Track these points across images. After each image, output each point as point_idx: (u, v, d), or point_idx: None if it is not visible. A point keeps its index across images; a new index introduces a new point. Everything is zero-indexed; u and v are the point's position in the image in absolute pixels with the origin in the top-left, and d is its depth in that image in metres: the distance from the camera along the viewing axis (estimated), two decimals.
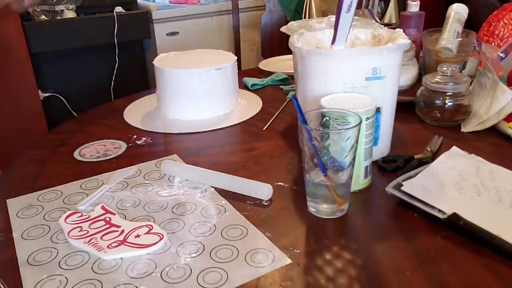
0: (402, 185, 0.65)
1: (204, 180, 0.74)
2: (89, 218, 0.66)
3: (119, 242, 0.60)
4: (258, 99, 1.12)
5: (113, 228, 0.63)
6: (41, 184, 0.76)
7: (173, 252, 0.58)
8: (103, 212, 0.67)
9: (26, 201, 0.71)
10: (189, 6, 2.54)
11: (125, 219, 0.66)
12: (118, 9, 2.25)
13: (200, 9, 2.53)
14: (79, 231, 0.63)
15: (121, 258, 0.57)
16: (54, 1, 2.08)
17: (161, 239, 0.60)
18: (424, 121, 0.94)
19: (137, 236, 0.61)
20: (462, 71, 1.05)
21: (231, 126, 0.98)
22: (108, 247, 0.59)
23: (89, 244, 0.60)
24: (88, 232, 0.63)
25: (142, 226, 0.63)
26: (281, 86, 1.21)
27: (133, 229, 0.63)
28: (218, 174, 0.74)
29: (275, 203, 0.68)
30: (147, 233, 0.62)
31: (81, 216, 0.66)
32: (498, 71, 0.91)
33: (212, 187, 0.73)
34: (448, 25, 1.03)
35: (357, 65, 0.72)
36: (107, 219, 0.66)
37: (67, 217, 0.66)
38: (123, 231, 0.62)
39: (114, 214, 0.67)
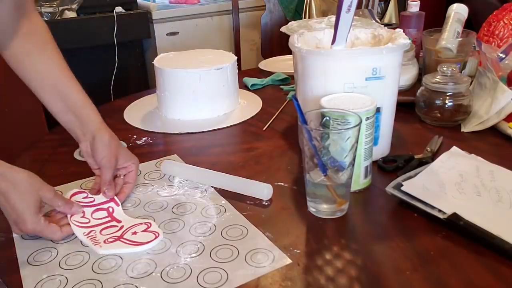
0: (402, 185, 0.65)
1: (204, 180, 0.74)
2: (93, 203, 0.67)
3: (116, 237, 0.61)
4: (258, 99, 1.12)
5: (113, 223, 0.64)
6: None
7: (173, 252, 0.58)
8: (108, 199, 0.68)
9: None
10: (189, 6, 2.54)
11: None
12: (118, 9, 2.24)
13: (200, 9, 2.52)
14: (82, 217, 0.64)
15: (121, 258, 0.57)
16: (57, 1, 2.08)
17: (156, 237, 0.60)
18: (424, 121, 0.94)
19: (134, 233, 0.62)
20: (462, 71, 1.05)
21: (231, 126, 0.98)
22: (104, 242, 0.60)
23: (87, 237, 0.61)
24: (89, 221, 0.64)
25: (141, 223, 0.64)
26: (281, 86, 1.21)
27: (132, 225, 0.63)
28: (218, 174, 0.74)
29: (275, 203, 0.68)
30: (145, 230, 0.62)
31: (86, 197, 0.68)
32: (498, 71, 0.91)
33: (212, 187, 0.73)
34: (448, 25, 1.03)
35: (357, 65, 0.72)
36: (110, 209, 0.66)
37: (72, 195, 0.67)
38: (122, 226, 0.63)
39: (118, 205, 0.67)
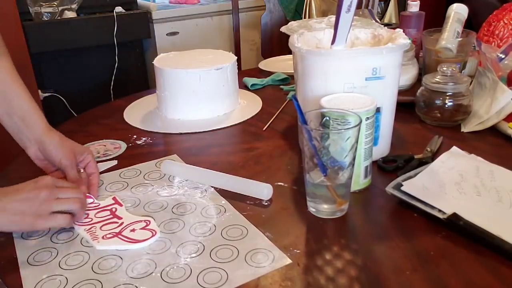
0: (402, 185, 0.65)
1: (204, 180, 0.74)
2: (98, 207, 0.68)
3: (114, 234, 0.61)
4: (258, 99, 1.12)
5: (114, 220, 0.65)
6: None
7: (173, 252, 0.58)
8: (113, 202, 0.69)
9: None
10: (189, 6, 2.54)
11: None
12: (118, 9, 2.24)
13: (200, 9, 2.52)
14: (85, 217, 0.65)
15: (121, 258, 0.57)
16: (57, 1, 2.09)
17: (153, 235, 0.61)
18: (424, 121, 0.94)
19: (133, 230, 0.62)
20: (462, 71, 1.05)
21: (231, 126, 0.98)
22: (103, 237, 0.61)
23: (88, 232, 0.62)
24: (92, 220, 0.65)
25: (141, 220, 0.64)
26: (281, 86, 1.21)
27: (132, 222, 0.64)
28: (218, 174, 0.74)
29: (275, 203, 0.68)
30: (143, 228, 0.63)
31: (92, 203, 0.69)
32: (497, 72, 0.91)
33: (212, 187, 0.73)
34: (448, 25, 1.03)
35: (357, 65, 0.72)
36: (113, 209, 0.67)
37: None
38: (122, 223, 0.64)
39: (121, 205, 0.68)
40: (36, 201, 0.59)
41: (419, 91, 0.94)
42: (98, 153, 0.87)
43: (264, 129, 0.96)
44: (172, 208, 0.68)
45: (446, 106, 0.89)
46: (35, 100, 0.76)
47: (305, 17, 2.29)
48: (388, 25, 1.20)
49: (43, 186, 0.60)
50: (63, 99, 2.19)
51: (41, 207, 0.59)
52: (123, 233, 0.61)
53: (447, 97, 0.89)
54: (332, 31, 0.74)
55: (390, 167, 0.75)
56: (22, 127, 0.73)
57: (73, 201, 0.62)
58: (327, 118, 0.64)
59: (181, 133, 0.95)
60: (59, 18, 2.12)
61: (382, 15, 2.33)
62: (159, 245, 0.60)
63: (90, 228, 0.63)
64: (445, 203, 0.62)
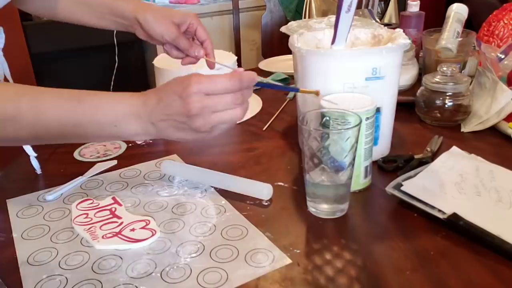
0: (402, 185, 0.65)
1: (204, 180, 0.74)
2: (98, 206, 0.68)
3: (114, 233, 0.62)
4: (258, 99, 1.12)
5: (114, 219, 0.65)
6: (41, 184, 0.76)
7: (173, 252, 0.58)
8: (112, 202, 0.69)
9: (26, 201, 0.71)
10: (189, 6, 2.54)
11: None
12: None
13: (200, 9, 2.52)
14: (85, 218, 0.65)
15: (121, 258, 0.57)
16: None
17: (152, 235, 0.61)
18: (424, 121, 0.94)
19: (132, 229, 0.62)
20: (462, 71, 1.05)
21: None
22: (103, 237, 0.61)
23: (87, 232, 0.62)
24: (91, 220, 0.65)
25: (141, 220, 0.64)
26: None
27: (131, 222, 0.64)
28: (218, 174, 0.74)
29: (275, 203, 0.68)
30: (143, 227, 0.63)
31: (92, 203, 0.69)
32: (497, 72, 0.91)
33: (212, 187, 0.73)
34: (448, 25, 1.03)
35: (357, 65, 0.72)
36: (113, 209, 0.67)
37: (79, 203, 0.69)
38: (122, 223, 0.64)
39: (121, 205, 0.68)
40: (187, 124, 0.52)
41: (419, 91, 0.94)
42: (98, 153, 0.87)
43: (264, 129, 0.96)
44: (172, 208, 0.68)
45: (446, 106, 0.89)
46: None
47: (305, 17, 2.29)
48: (388, 25, 1.20)
49: (191, 102, 0.52)
50: None
51: (197, 128, 0.52)
52: (123, 233, 0.62)
53: (447, 97, 0.89)
54: (332, 31, 0.74)
55: (390, 167, 0.75)
56: (118, 18, 0.72)
57: (233, 111, 0.53)
58: (327, 118, 0.64)
59: None
60: None
61: (382, 15, 2.33)
62: (159, 245, 0.60)
63: (90, 227, 0.63)
64: (445, 203, 0.62)
